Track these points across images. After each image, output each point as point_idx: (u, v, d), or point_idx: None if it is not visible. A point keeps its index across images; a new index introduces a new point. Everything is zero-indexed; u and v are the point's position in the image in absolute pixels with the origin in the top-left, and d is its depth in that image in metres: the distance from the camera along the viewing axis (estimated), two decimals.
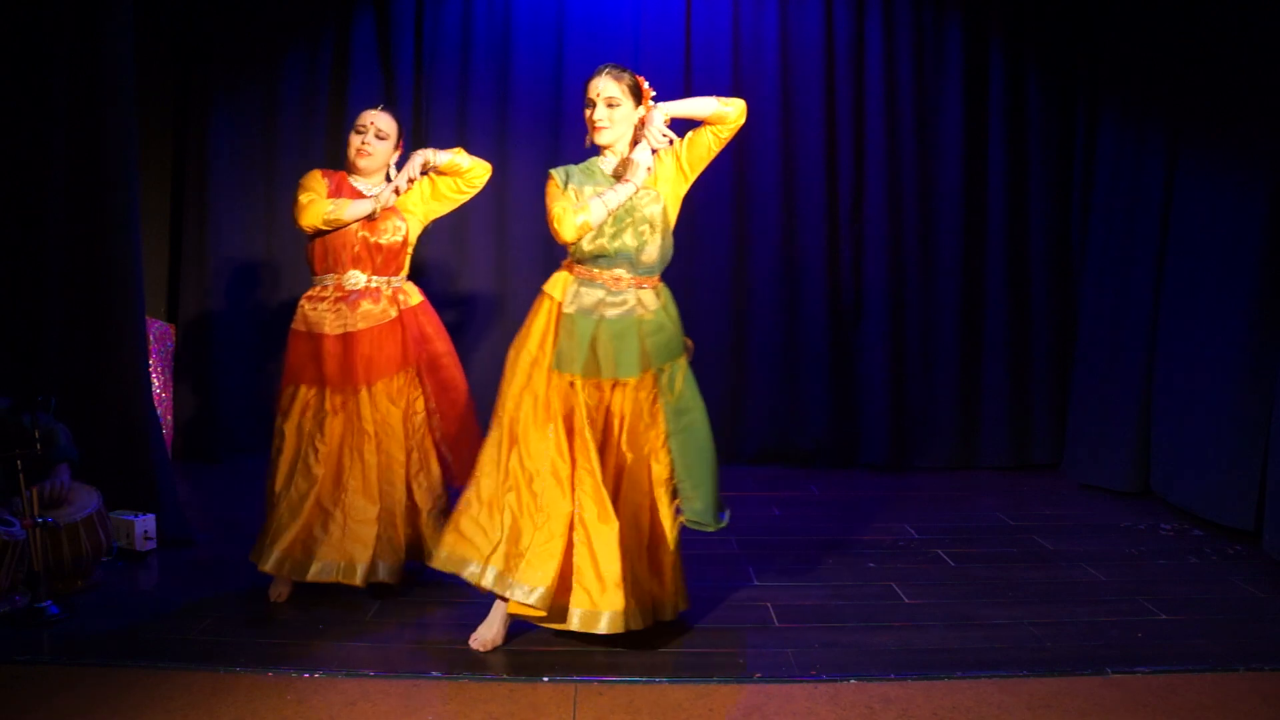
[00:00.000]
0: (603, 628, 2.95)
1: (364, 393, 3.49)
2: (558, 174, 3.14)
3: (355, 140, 3.54)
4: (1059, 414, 5.55)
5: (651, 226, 3.12)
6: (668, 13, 5.51)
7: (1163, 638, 3.21)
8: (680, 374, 3.18)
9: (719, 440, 5.51)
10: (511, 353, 3.16)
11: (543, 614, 3.02)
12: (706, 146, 3.15)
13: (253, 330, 5.58)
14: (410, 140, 5.51)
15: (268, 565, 3.42)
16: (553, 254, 5.51)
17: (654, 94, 3.15)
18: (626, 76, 3.10)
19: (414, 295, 3.64)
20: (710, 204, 5.55)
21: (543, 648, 3.13)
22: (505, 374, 3.15)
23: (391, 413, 3.53)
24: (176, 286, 5.57)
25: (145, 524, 3.93)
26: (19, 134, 3.90)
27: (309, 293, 3.57)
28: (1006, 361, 5.57)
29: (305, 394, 3.52)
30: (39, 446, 3.37)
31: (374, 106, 3.60)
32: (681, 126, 3.15)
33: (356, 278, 3.51)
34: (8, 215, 3.91)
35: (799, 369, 5.62)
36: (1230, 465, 4.23)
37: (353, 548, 3.43)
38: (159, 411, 4.70)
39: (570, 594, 3.01)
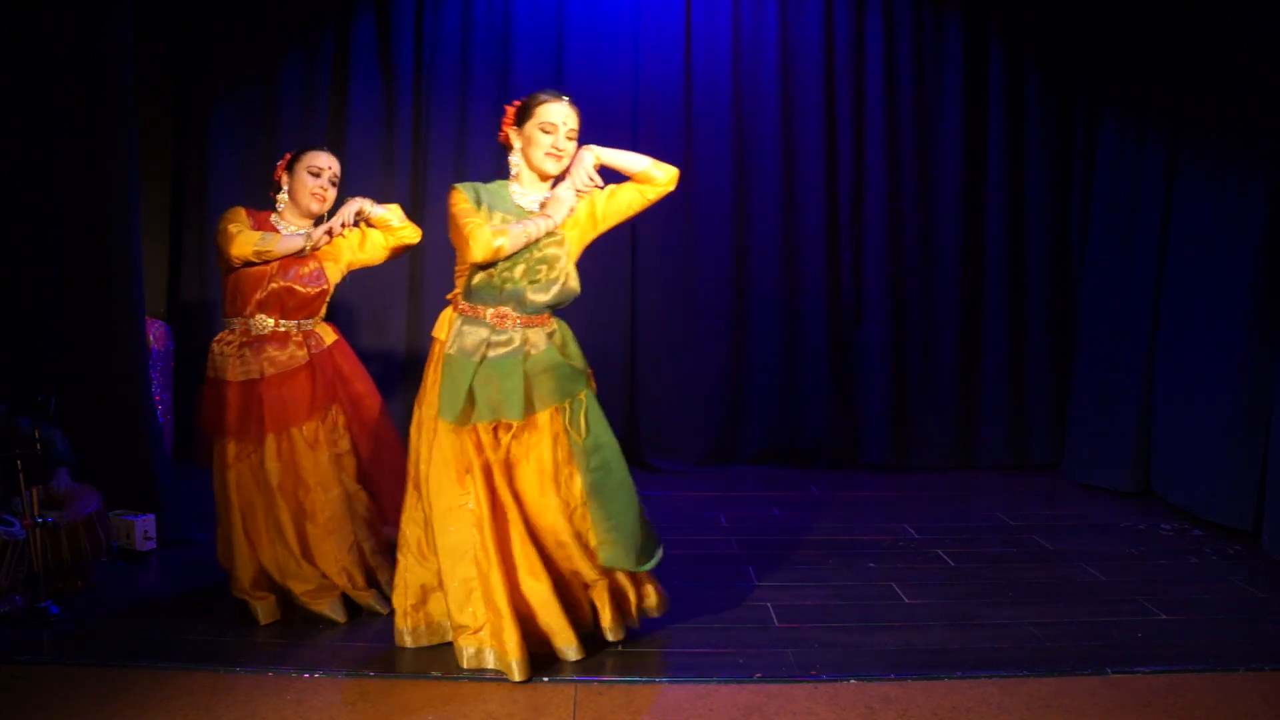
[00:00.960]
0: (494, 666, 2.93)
1: (270, 441, 3.30)
2: (465, 190, 2.96)
3: (311, 183, 3.38)
4: (1059, 414, 5.55)
5: (549, 267, 2.95)
6: (668, 13, 5.51)
7: (1163, 638, 3.21)
8: (583, 410, 2.98)
9: (719, 440, 5.65)
10: (415, 406, 3.06)
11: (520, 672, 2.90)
12: (628, 204, 3.05)
13: None
14: (407, 145, 5.53)
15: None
16: None
17: None
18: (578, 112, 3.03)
19: (328, 336, 3.46)
20: (710, 204, 5.55)
21: (543, 649, 3.12)
22: (411, 431, 3.05)
23: (309, 457, 3.33)
24: (176, 286, 5.57)
25: (145, 524, 3.93)
26: (19, 134, 3.90)
27: (218, 335, 3.40)
28: (1007, 361, 5.58)
29: (219, 446, 3.35)
30: (39, 447, 3.37)
31: (319, 146, 3.47)
32: (608, 177, 3.06)
33: (264, 322, 3.34)
34: (8, 215, 3.91)
35: (799, 369, 5.62)
36: (1230, 465, 4.23)
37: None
38: (159, 411, 4.70)
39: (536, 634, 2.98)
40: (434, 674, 2.94)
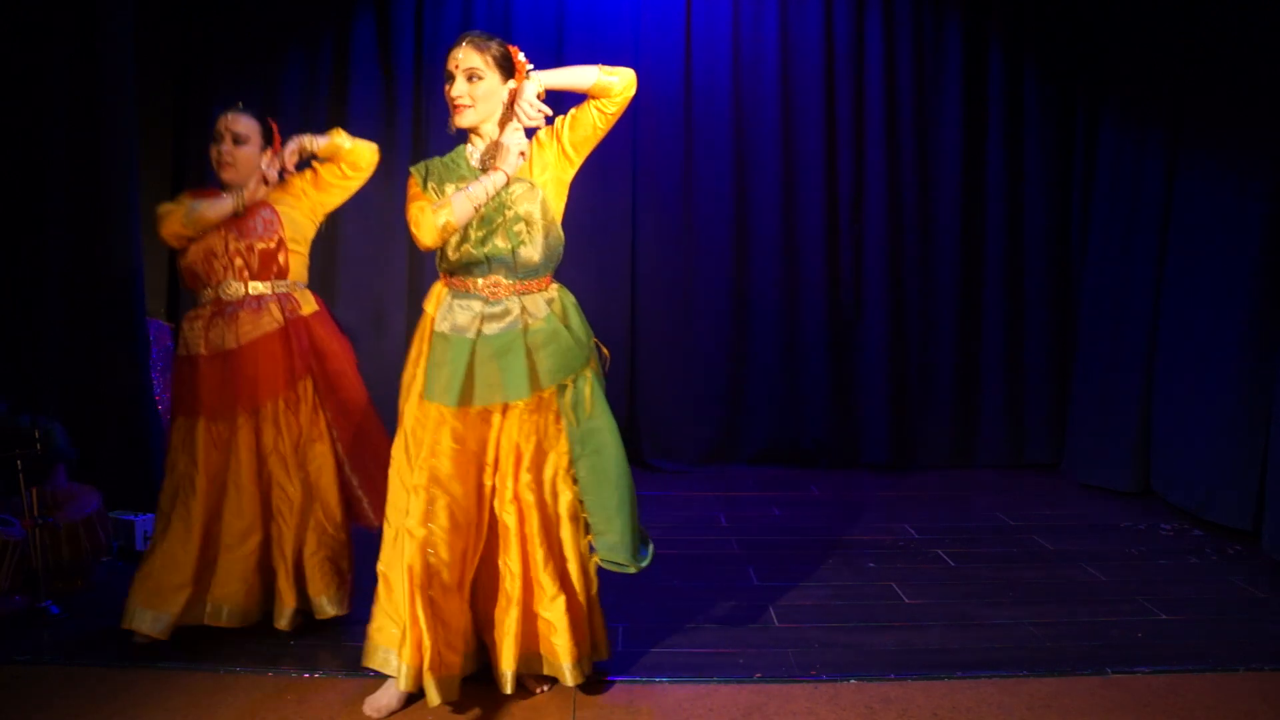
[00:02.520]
0: (398, 685, 2.65)
1: (242, 421, 3.09)
2: (417, 171, 2.74)
3: (214, 150, 3.13)
4: (1059, 414, 5.55)
5: (529, 224, 2.68)
6: (668, 13, 5.51)
7: (1163, 638, 3.21)
8: (588, 388, 2.74)
9: (719, 440, 5.65)
10: (401, 391, 2.79)
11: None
12: (591, 124, 2.72)
13: None
14: (407, 145, 5.53)
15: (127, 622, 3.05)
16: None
17: (530, 66, 2.74)
18: (493, 45, 2.68)
19: (307, 303, 3.23)
20: (710, 204, 5.55)
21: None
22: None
23: (280, 441, 3.12)
24: (176, 286, 5.57)
25: (145, 524, 3.93)
26: (19, 134, 3.90)
27: (188, 312, 3.18)
28: (1006, 361, 5.58)
29: (185, 425, 3.11)
30: (39, 446, 3.37)
31: (234, 107, 3.19)
32: (565, 103, 2.76)
33: (234, 287, 3.13)
34: (8, 215, 3.91)
35: (799, 369, 5.62)
36: (1230, 465, 4.23)
37: (229, 587, 3.10)
38: (159, 411, 4.70)
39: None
40: None
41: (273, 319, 3.14)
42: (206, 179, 5.37)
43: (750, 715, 2.72)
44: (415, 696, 2.68)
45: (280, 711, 2.72)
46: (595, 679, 2.85)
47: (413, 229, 2.64)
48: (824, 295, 5.58)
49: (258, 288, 3.15)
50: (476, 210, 2.63)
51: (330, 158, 3.21)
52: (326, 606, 3.15)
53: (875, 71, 5.51)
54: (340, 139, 3.20)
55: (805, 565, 3.94)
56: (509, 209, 2.67)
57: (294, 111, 5.48)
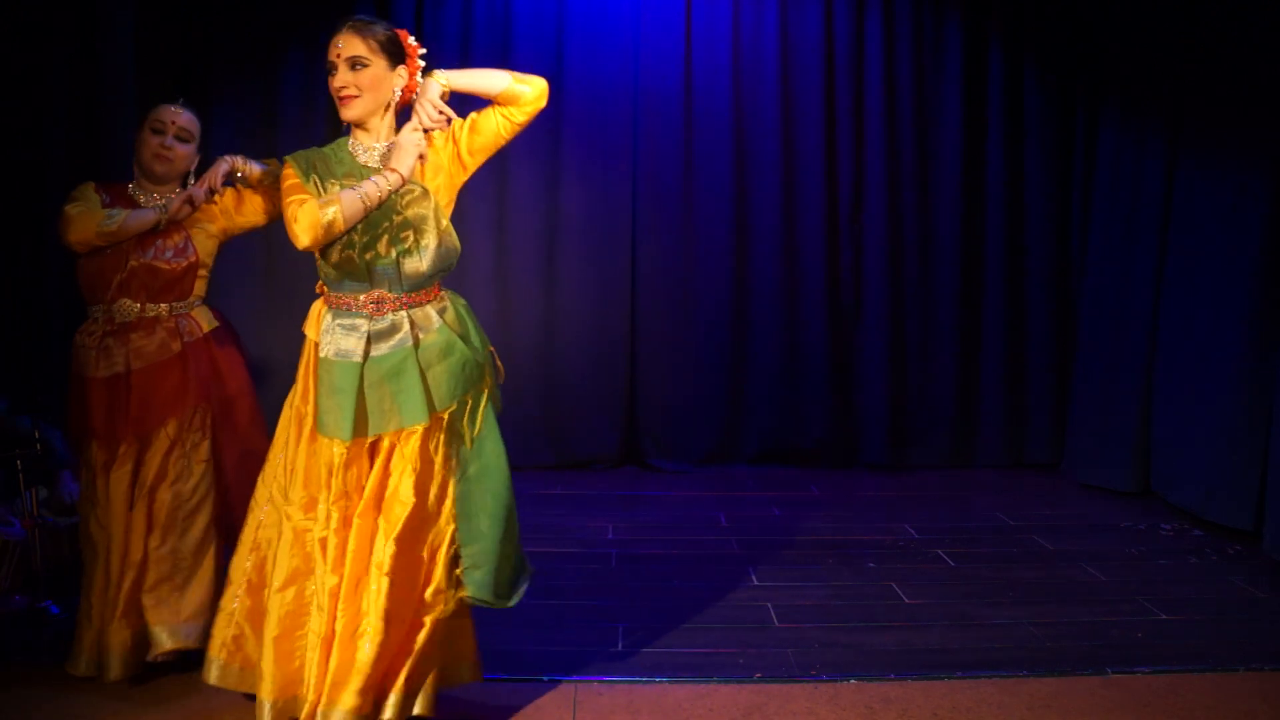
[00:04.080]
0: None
1: (124, 449, 2.87)
2: (295, 161, 2.50)
3: (153, 142, 2.91)
4: (1059, 414, 5.55)
5: (417, 232, 2.46)
6: (668, 13, 5.50)
7: (1163, 638, 3.21)
8: (481, 407, 2.53)
9: (719, 440, 5.64)
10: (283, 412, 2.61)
11: None
12: (495, 132, 2.53)
13: (251, 331, 5.57)
14: None
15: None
16: (555, 257, 5.53)
17: (423, 51, 2.58)
18: (378, 29, 2.47)
19: (204, 321, 2.98)
20: (710, 204, 5.55)
21: (544, 648, 3.13)
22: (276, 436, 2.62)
23: (160, 481, 2.88)
24: None
25: None
26: (19, 134, 3.90)
27: (80, 327, 2.94)
28: (1006, 361, 5.57)
29: (85, 450, 2.91)
30: (39, 447, 3.37)
31: (173, 101, 3.00)
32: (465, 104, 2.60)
33: (128, 307, 2.88)
34: (8, 215, 3.91)
35: (799, 369, 5.61)
36: (1230, 465, 4.23)
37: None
38: None
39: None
40: None
41: (167, 345, 2.89)
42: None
43: (750, 715, 2.72)
44: None
45: None
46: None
47: (290, 225, 2.40)
48: (824, 295, 5.57)
49: (153, 309, 2.90)
50: (366, 210, 2.42)
51: (257, 187, 2.95)
52: (164, 639, 2.85)
53: (875, 71, 5.50)
54: (273, 173, 2.95)
55: (805, 565, 3.94)
56: (397, 214, 2.46)
57: (294, 111, 5.48)
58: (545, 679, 2.90)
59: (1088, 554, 4.05)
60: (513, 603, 2.57)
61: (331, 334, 2.49)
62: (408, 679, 2.50)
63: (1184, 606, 3.47)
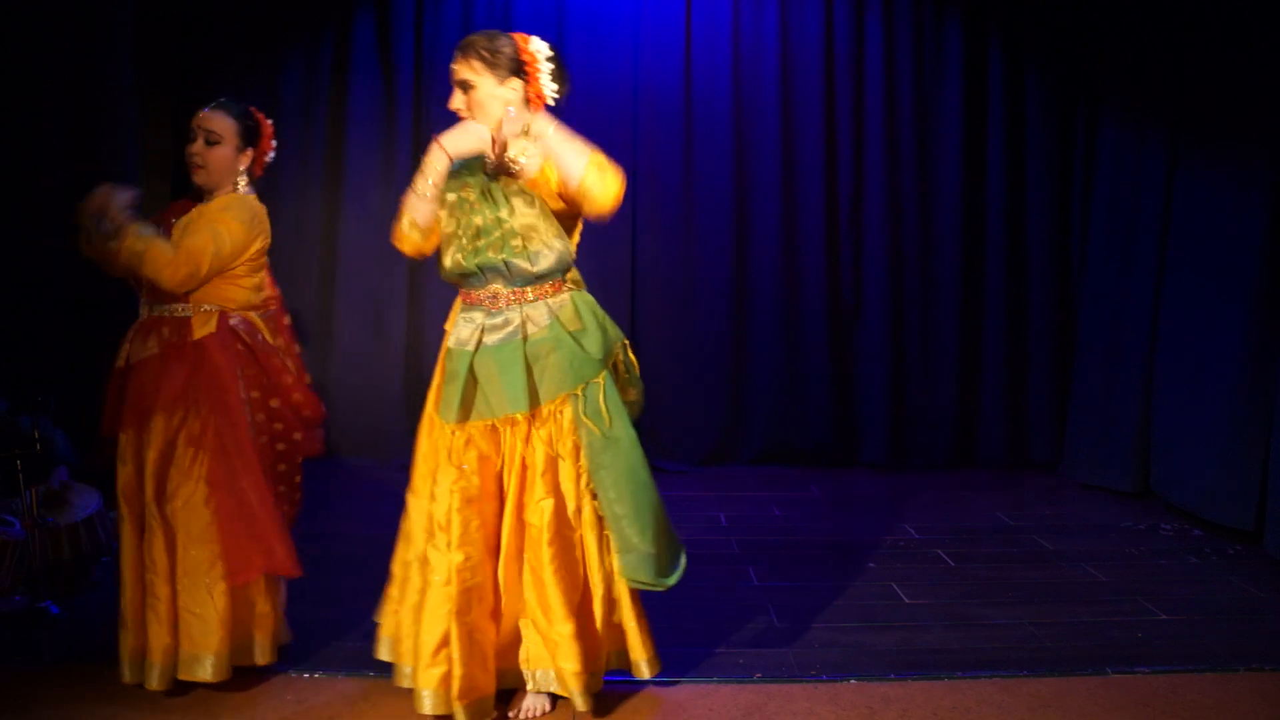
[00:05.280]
0: (421, 708, 2.59)
1: (125, 443, 2.88)
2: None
3: (187, 149, 2.90)
4: (1059, 414, 5.55)
5: (525, 239, 2.54)
6: (668, 13, 5.51)
7: (1163, 638, 3.21)
8: (601, 395, 2.58)
9: (719, 440, 5.64)
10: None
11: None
12: (558, 202, 2.59)
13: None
14: (408, 145, 5.52)
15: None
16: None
17: (550, 66, 2.60)
18: (479, 46, 2.56)
19: (204, 326, 2.87)
20: (710, 204, 5.55)
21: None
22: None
23: (166, 475, 2.84)
24: None
25: None
26: (19, 132, 3.90)
27: None
28: (1006, 361, 5.58)
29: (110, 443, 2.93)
30: (39, 447, 3.37)
31: (213, 104, 2.98)
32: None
33: (142, 306, 2.95)
34: (8, 215, 3.91)
35: (799, 369, 5.62)
36: (1230, 465, 4.23)
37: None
38: None
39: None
40: None
41: (152, 346, 2.84)
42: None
43: (750, 715, 2.72)
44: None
45: (280, 711, 2.72)
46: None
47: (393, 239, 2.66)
48: (824, 295, 5.58)
49: (155, 309, 2.87)
50: (429, 202, 2.54)
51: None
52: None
53: (875, 71, 5.51)
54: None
55: (805, 565, 3.94)
56: (507, 221, 2.53)
57: (294, 111, 5.48)
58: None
59: (1088, 554, 4.05)
60: (672, 581, 2.66)
61: (456, 325, 2.64)
62: (582, 666, 2.59)
63: (1184, 606, 3.47)
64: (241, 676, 2.86)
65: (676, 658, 3.07)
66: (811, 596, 3.59)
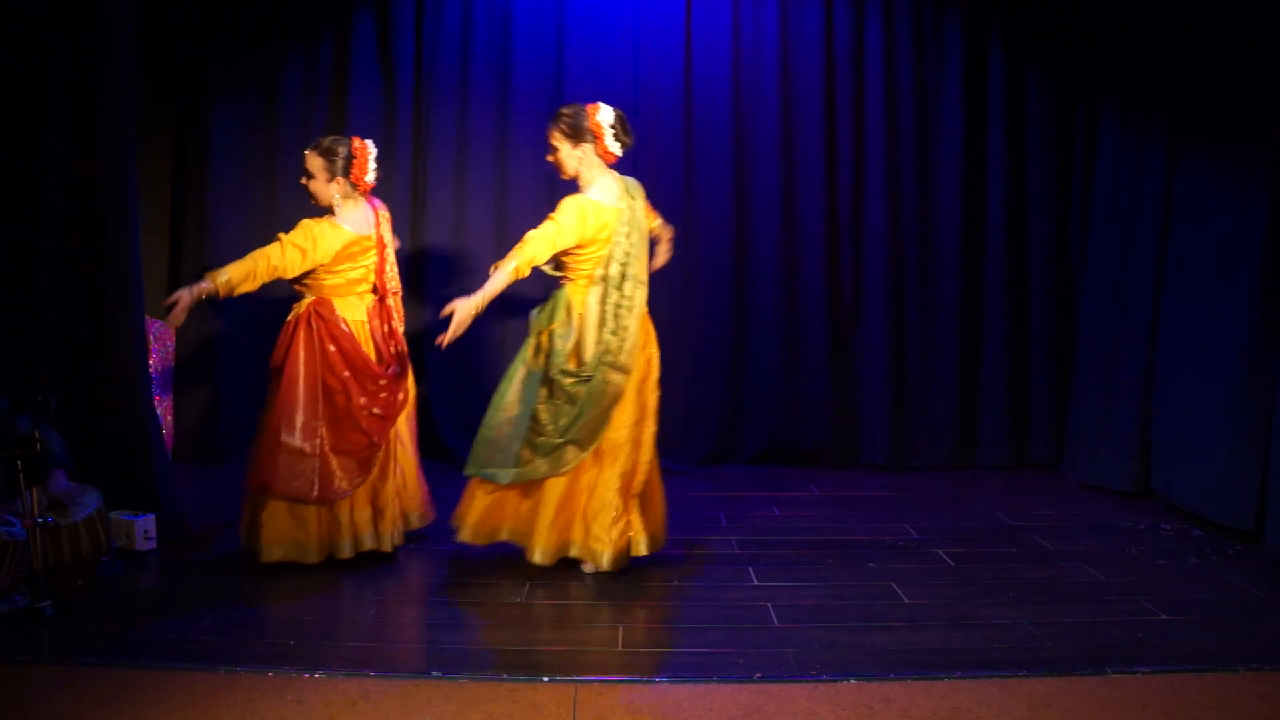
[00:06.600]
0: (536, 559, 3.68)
1: None
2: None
3: None
4: (1059, 414, 5.55)
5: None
6: (668, 13, 5.50)
7: (1163, 638, 3.21)
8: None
9: (719, 440, 5.63)
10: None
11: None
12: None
13: (252, 330, 5.57)
14: (408, 145, 5.52)
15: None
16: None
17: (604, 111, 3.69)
18: (563, 119, 3.66)
19: (299, 306, 4.03)
20: (710, 204, 5.55)
21: (544, 648, 3.13)
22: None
23: None
24: (176, 286, 5.55)
25: (145, 524, 3.93)
26: (18, 133, 3.90)
27: None
28: (1006, 361, 5.58)
29: None
30: (38, 447, 3.37)
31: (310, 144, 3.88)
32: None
33: None
34: (8, 215, 3.91)
35: (799, 369, 5.62)
36: (1230, 465, 4.23)
37: None
38: (159, 411, 4.70)
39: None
40: (434, 674, 2.94)
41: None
42: (206, 179, 5.42)
43: (750, 715, 2.72)
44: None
45: (280, 711, 2.72)
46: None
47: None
48: (824, 295, 5.57)
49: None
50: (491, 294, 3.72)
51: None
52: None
53: (875, 71, 5.50)
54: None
55: (805, 565, 3.94)
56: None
57: (294, 111, 5.48)
58: (545, 679, 2.90)
59: (1088, 554, 4.05)
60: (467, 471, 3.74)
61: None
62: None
63: (1184, 606, 3.47)
64: (242, 675, 2.87)
65: (676, 658, 3.08)
66: (811, 596, 3.59)
